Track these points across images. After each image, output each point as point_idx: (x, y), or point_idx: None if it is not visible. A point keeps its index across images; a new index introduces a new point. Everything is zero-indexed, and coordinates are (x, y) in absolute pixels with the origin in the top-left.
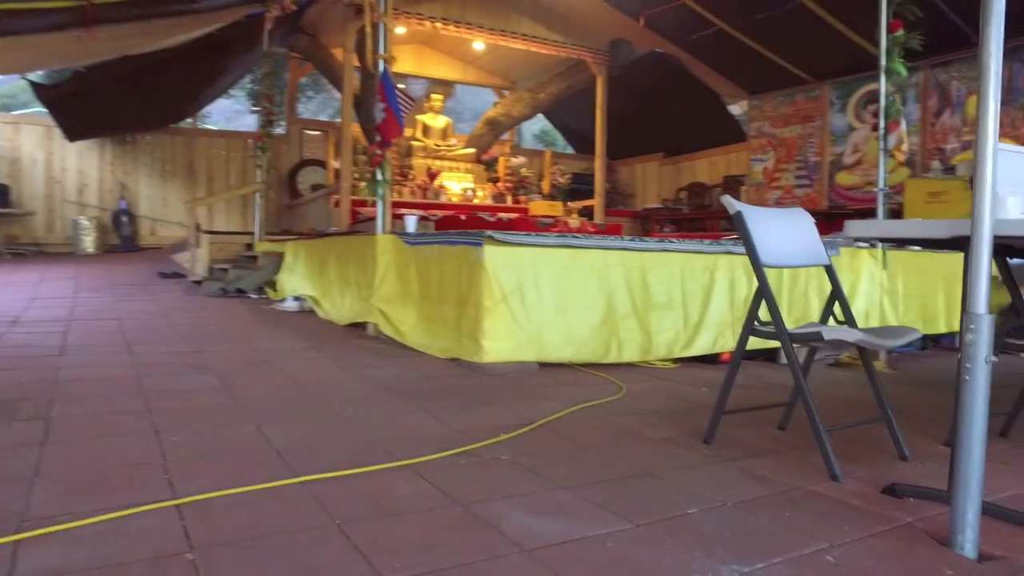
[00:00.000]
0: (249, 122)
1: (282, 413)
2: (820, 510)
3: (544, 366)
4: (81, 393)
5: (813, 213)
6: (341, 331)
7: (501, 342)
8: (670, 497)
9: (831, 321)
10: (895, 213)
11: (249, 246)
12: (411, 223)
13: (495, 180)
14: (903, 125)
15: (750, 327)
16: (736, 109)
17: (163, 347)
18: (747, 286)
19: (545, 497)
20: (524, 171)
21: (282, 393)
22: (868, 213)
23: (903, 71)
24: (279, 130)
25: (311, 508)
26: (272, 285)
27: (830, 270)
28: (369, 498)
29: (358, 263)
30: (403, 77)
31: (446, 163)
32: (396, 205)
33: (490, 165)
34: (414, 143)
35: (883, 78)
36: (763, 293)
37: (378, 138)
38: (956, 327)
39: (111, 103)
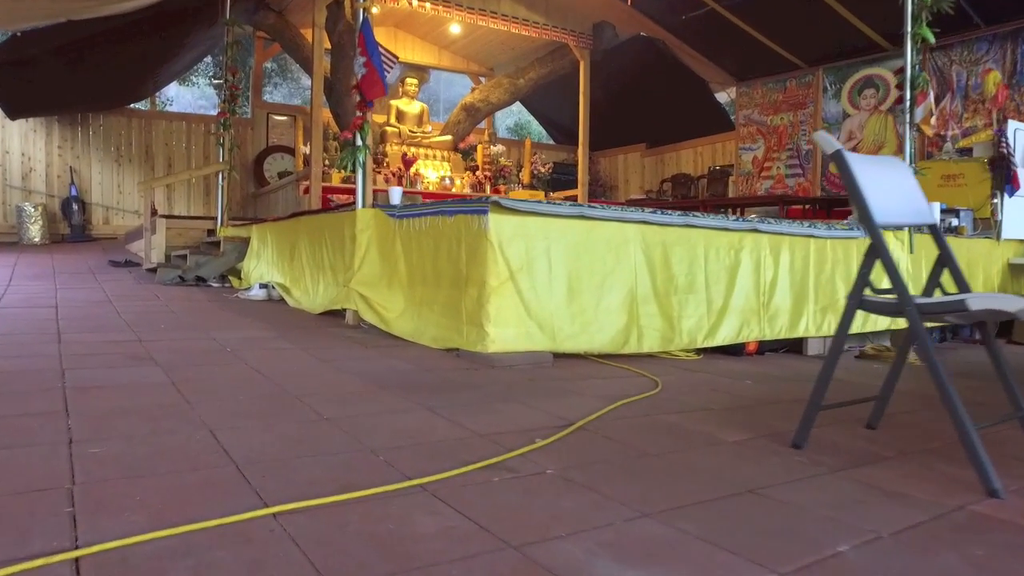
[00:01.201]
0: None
1: (245, 413)
2: (1016, 544)
3: (557, 357)
4: None
5: (807, 201)
6: (315, 320)
7: (509, 328)
8: (799, 527)
9: (937, 292)
10: None
11: (211, 231)
12: (396, 195)
13: (473, 169)
14: (931, 96)
15: (859, 298)
16: (723, 97)
17: (101, 336)
18: (773, 268)
19: (628, 531)
20: (503, 160)
21: (245, 388)
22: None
23: (931, 37)
24: (244, 114)
25: (290, 558)
26: (236, 273)
27: (936, 231)
28: (376, 539)
29: (333, 244)
30: None
31: (422, 150)
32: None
33: (467, 153)
34: (388, 129)
35: (909, 44)
36: (880, 254)
37: (358, 98)
38: None
39: (57, 77)
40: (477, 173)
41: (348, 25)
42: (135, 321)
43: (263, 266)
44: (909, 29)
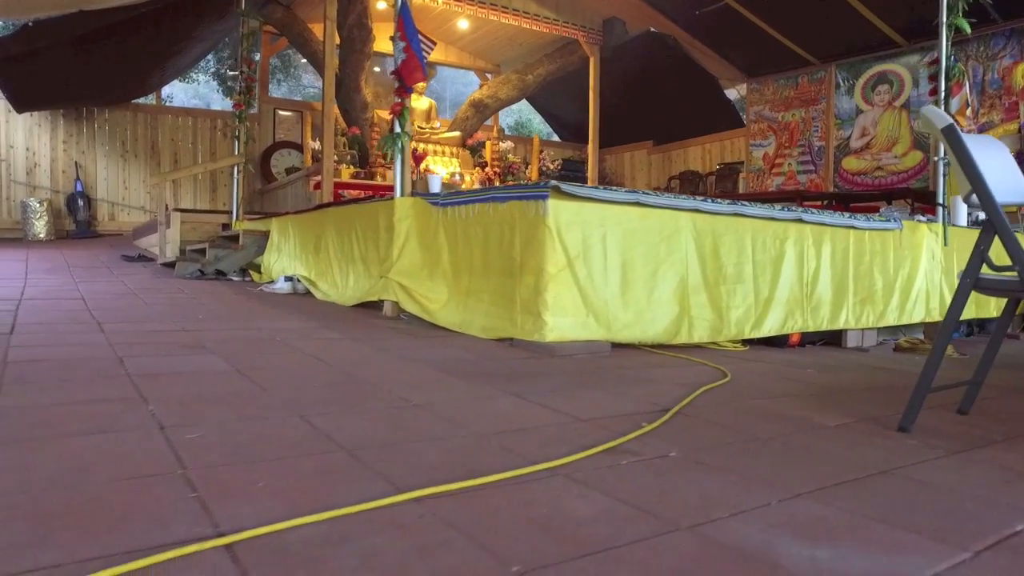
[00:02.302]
0: (217, 106)
1: (328, 400)
2: None
3: (613, 347)
4: (42, 377)
5: (823, 197)
6: (350, 312)
7: (566, 317)
8: (960, 507)
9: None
10: (924, 195)
11: (226, 226)
12: (435, 183)
13: (482, 165)
14: (967, 87)
15: (975, 277)
16: (732, 94)
17: (142, 326)
18: (816, 259)
19: (791, 511)
20: (511, 157)
21: (316, 376)
22: (881, 197)
23: (967, 27)
24: (250, 109)
25: (456, 543)
26: (255, 267)
27: None
28: (537, 523)
29: (366, 235)
30: (382, 56)
31: (431, 146)
32: (379, 189)
33: (476, 150)
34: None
35: (944, 33)
36: (1000, 230)
37: (397, 83)
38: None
39: (66, 70)
40: (486, 169)
41: (358, 19)
42: (168, 312)
43: (284, 259)
44: (944, 19)
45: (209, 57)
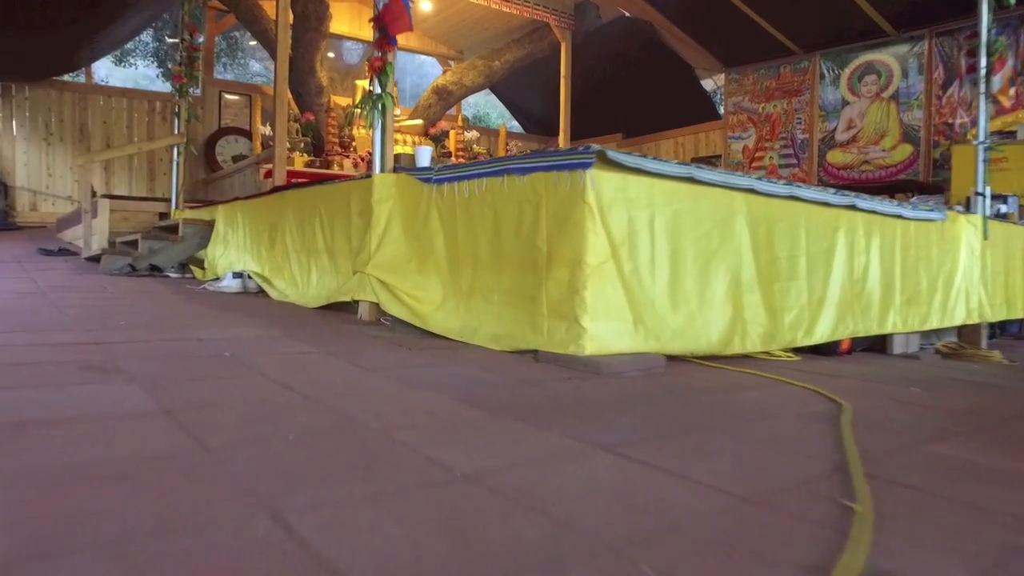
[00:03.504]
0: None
1: (316, 471)
2: None
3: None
4: None
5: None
6: (317, 315)
7: (609, 323)
8: None
9: None
10: (927, 187)
11: (164, 215)
12: (424, 155)
13: (446, 155)
14: (1010, 63)
15: None
16: (709, 84)
17: (36, 336)
18: (865, 254)
19: None
20: (476, 147)
21: (287, 418)
22: (881, 190)
23: None
24: (193, 91)
25: None
26: (198, 262)
27: None
28: None
29: (333, 221)
30: (338, 40)
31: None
32: (339, 177)
33: (439, 139)
34: (356, 110)
35: (985, 5)
36: None
37: (378, 34)
38: None
39: None
40: (451, 159)
41: None
42: (82, 317)
43: (232, 253)
44: None
45: (148, 40)
